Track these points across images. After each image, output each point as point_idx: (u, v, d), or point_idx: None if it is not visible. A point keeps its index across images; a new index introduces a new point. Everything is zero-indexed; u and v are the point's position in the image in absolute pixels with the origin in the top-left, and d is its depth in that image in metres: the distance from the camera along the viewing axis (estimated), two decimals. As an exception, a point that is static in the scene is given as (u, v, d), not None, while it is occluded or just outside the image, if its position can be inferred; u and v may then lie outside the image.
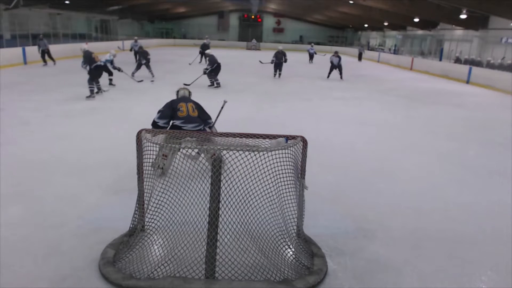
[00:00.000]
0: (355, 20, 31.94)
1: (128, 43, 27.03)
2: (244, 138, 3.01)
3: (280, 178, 3.03)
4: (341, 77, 15.43)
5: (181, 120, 4.52)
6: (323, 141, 6.32)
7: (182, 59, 21.32)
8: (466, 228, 3.87)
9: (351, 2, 24.19)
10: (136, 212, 3.24)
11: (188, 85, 11.02)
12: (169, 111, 4.54)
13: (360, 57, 27.72)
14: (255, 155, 2.85)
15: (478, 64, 18.32)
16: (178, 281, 2.69)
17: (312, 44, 25.70)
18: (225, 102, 5.58)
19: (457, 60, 20.40)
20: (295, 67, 19.71)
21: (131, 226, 3.27)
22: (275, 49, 16.14)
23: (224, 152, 2.73)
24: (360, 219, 3.91)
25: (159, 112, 4.52)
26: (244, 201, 2.95)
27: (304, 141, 3.09)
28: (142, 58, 13.21)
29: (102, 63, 9.87)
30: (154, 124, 4.46)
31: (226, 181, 2.83)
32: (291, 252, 3.16)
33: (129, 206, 3.37)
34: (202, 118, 4.70)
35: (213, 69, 11.82)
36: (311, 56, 23.95)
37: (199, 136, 3.30)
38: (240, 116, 7.83)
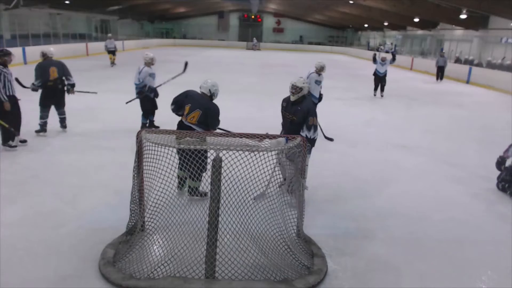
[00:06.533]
0: (355, 20, 31.90)
1: (130, 43, 27.01)
2: (244, 138, 3.02)
3: (280, 178, 3.03)
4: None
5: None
6: (323, 141, 6.31)
7: (183, 59, 21.28)
8: (466, 228, 3.87)
9: (351, 2, 24.15)
10: (132, 211, 3.25)
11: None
12: None
13: (440, 74, 17.02)
14: (255, 155, 2.85)
15: (478, 64, 18.31)
16: (178, 281, 2.69)
17: (381, 48, 13.77)
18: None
19: (457, 60, 20.38)
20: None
21: (130, 224, 3.27)
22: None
23: (224, 152, 2.73)
24: (360, 219, 3.91)
25: None
26: (244, 201, 2.95)
27: (304, 141, 3.09)
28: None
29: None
30: None
31: (226, 181, 2.83)
32: (291, 252, 3.16)
33: (129, 206, 3.37)
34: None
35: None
36: (381, 83, 11.67)
37: (199, 136, 3.30)
38: (240, 116, 7.83)
